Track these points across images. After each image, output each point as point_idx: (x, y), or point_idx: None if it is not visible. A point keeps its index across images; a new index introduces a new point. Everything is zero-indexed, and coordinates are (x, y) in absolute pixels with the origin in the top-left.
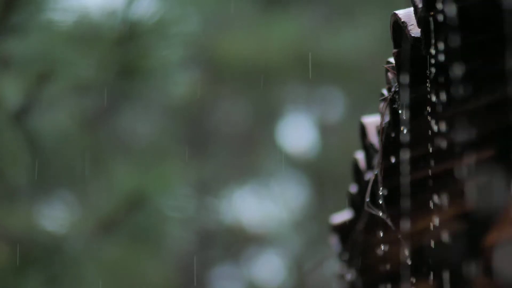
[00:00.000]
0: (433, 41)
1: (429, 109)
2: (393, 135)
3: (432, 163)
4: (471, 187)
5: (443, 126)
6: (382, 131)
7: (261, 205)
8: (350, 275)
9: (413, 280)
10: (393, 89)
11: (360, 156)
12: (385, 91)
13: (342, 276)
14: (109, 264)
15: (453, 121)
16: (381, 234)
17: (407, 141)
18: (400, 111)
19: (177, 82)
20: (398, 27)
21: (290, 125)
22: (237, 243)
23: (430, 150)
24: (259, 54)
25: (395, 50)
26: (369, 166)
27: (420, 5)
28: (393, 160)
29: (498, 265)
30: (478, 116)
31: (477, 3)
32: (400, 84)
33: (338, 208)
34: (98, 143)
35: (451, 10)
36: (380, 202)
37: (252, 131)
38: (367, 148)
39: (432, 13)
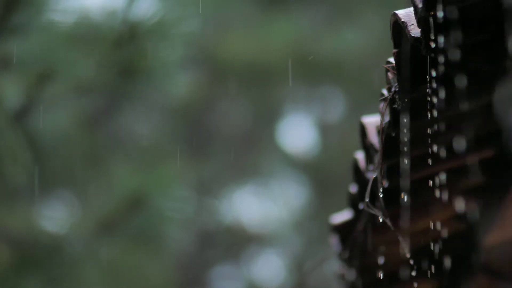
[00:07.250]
0: (433, 41)
1: (429, 109)
2: (393, 135)
3: (432, 163)
4: (471, 186)
5: (443, 126)
6: (382, 131)
7: (261, 205)
8: (350, 275)
9: (413, 280)
10: (393, 89)
11: (360, 156)
12: (385, 91)
13: (342, 276)
14: (109, 264)
15: (453, 121)
16: (381, 234)
17: (407, 141)
18: (400, 111)
19: (177, 82)
20: (398, 27)
21: (290, 125)
22: (237, 243)
23: (430, 150)
24: (259, 54)
25: (395, 50)
26: (369, 166)
27: (420, 5)
28: (393, 160)
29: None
30: (478, 116)
31: (477, 3)
32: (400, 84)
33: (338, 208)
34: (98, 143)
35: (451, 10)
36: (380, 202)
37: (252, 131)
38: (367, 148)
39: (432, 13)
